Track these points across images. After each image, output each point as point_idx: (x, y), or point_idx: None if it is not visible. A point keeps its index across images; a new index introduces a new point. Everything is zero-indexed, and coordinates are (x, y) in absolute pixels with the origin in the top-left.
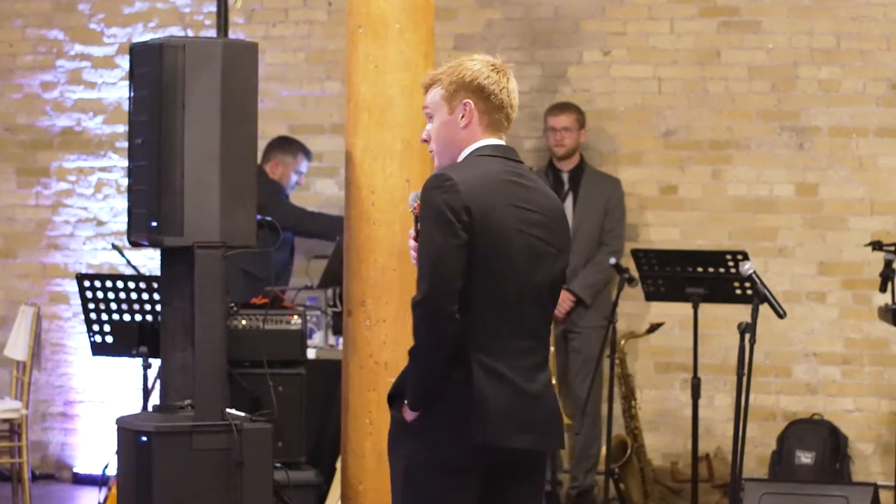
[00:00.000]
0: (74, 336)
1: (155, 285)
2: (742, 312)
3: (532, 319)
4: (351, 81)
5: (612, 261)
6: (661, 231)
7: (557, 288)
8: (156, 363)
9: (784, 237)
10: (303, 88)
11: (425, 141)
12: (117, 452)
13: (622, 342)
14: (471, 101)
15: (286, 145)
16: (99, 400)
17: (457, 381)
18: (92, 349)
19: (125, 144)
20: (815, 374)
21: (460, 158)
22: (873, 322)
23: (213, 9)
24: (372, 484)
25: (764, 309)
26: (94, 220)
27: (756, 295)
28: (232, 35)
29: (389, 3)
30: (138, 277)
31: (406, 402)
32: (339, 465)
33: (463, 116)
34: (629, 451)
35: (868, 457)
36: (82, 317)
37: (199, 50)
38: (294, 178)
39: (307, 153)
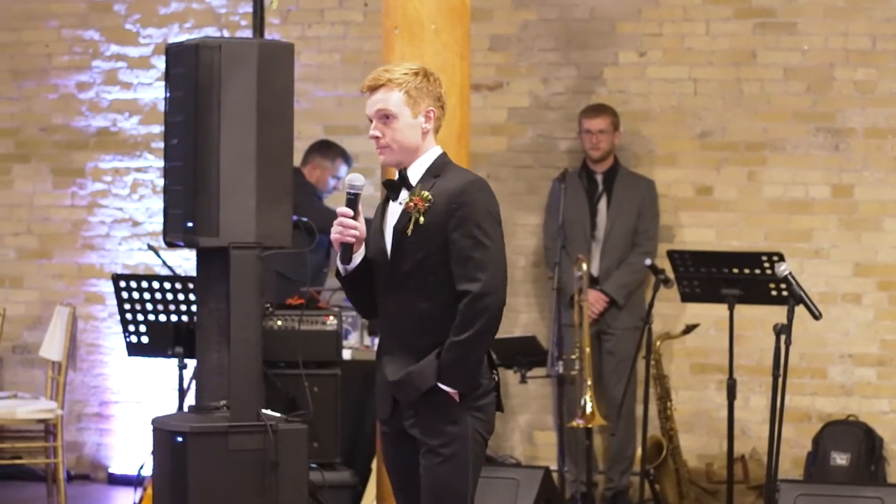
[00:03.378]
0: (110, 336)
1: (190, 286)
2: (778, 314)
3: None
4: None
5: (648, 262)
6: (697, 232)
7: None
8: (191, 364)
9: (819, 238)
10: (338, 89)
11: (376, 138)
12: (153, 453)
13: (658, 343)
14: (434, 110)
15: (326, 149)
16: (134, 400)
17: (485, 364)
18: (127, 349)
19: (161, 145)
20: (851, 375)
21: (416, 161)
22: None
23: (249, 9)
24: None
25: (799, 310)
26: (129, 220)
27: (792, 296)
28: (268, 36)
29: (425, 4)
30: (174, 278)
31: (449, 387)
32: (374, 465)
33: (427, 122)
34: (664, 453)
35: None
36: (118, 317)
37: (235, 50)
38: (332, 182)
39: (347, 158)
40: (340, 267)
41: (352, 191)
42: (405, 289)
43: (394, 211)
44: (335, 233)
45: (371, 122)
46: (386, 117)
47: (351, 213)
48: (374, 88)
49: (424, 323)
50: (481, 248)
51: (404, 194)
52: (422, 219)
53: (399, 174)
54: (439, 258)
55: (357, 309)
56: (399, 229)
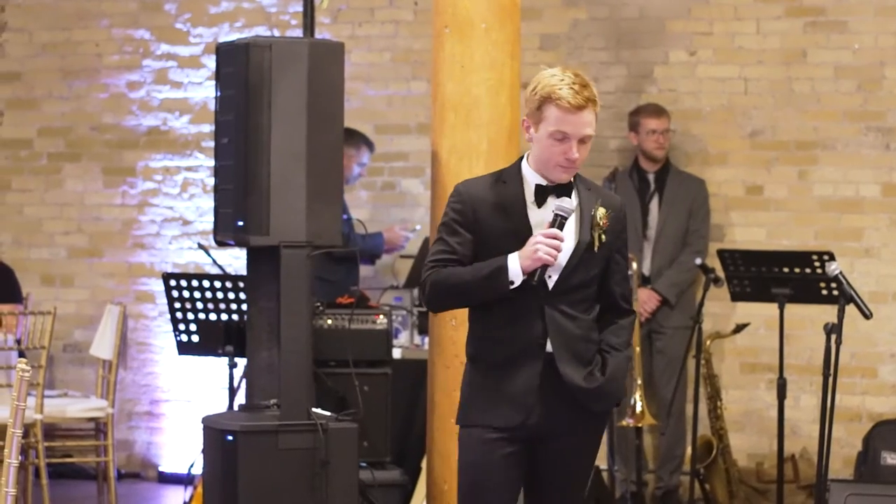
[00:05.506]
0: (160, 335)
1: (241, 285)
2: (828, 313)
3: None
4: (437, 81)
5: (698, 261)
6: (747, 231)
7: None
8: (242, 362)
9: (870, 237)
10: (389, 88)
11: (574, 160)
12: (203, 451)
13: (708, 342)
14: None
15: (348, 137)
16: (185, 399)
17: None
18: (178, 348)
19: (211, 144)
20: None
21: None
22: None
23: (300, 8)
24: (457, 484)
25: (850, 309)
26: (179, 219)
27: (842, 295)
28: (318, 35)
29: (475, 3)
30: (224, 277)
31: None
32: (424, 464)
33: None
34: (714, 452)
35: None
36: (168, 316)
37: (286, 50)
38: (356, 169)
39: (370, 144)
40: (515, 279)
41: (563, 213)
42: (570, 300)
43: (544, 219)
44: (544, 253)
45: (563, 136)
46: (586, 139)
47: (563, 237)
48: (584, 107)
49: (586, 332)
50: (627, 267)
51: (553, 202)
52: (604, 236)
53: (559, 184)
54: (601, 273)
55: (447, 307)
56: (584, 243)
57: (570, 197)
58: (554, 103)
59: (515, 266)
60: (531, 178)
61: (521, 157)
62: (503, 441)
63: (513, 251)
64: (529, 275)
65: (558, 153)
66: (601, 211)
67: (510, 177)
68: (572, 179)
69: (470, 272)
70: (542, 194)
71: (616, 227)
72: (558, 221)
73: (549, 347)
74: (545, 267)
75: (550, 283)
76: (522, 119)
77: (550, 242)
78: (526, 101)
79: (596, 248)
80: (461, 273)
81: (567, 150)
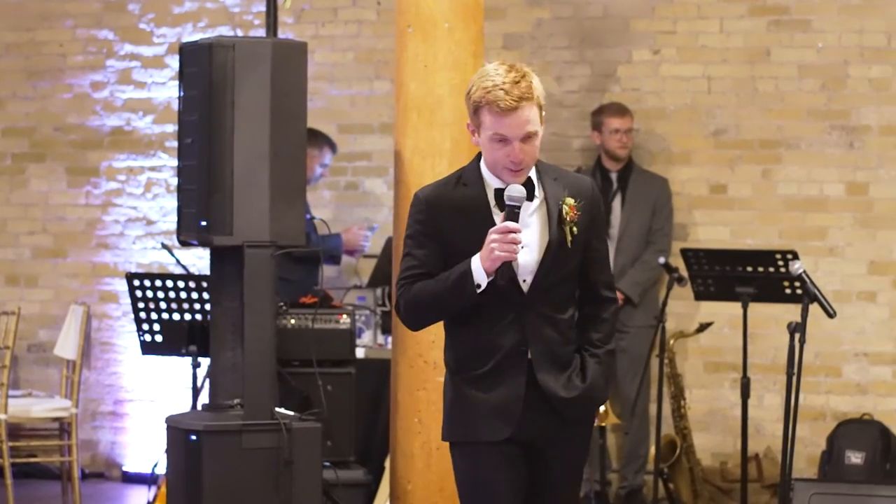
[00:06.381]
0: (124, 335)
1: (204, 284)
2: (792, 312)
3: None
4: (400, 81)
5: (662, 260)
6: (711, 230)
7: None
8: (205, 362)
9: (834, 236)
10: (352, 88)
11: (519, 162)
12: (167, 451)
13: (671, 342)
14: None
15: (312, 138)
16: (148, 399)
17: None
18: (141, 348)
19: (175, 144)
20: (866, 373)
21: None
22: None
23: (263, 8)
24: (421, 483)
25: (814, 308)
26: (143, 219)
27: (806, 294)
28: (281, 35)
29: (438, 3)
30: (188, 277)
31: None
32: (387, 464)
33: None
34: (678, 451)
35: None
36: (132, 316)
37: (249, 50)
38: (319, 170)
39: (332, 145)
40: (481, 282)
41: (514, 203)
42: (547, 301)
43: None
44: (503, 251)
45: (503, 139)
46: (530, 137)
47: (520, 228)
48: (517, 108)
49: (565, 333)
50: (606, 250)
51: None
52: (575, 228)
53: (525, 184)
54: (578, 266)
55: (426, 322)
56: (556, 241)
57: (532, 194)
58: (486, 107)
59: (479, 268)
60: (490, 181)
61: (479, 155)
62: (499, 451)
63: None
64: (496, 275)
65: (503, 156)
66: (568, 202)
67: (470, 179)
68: (536, 173)
69: (438, 284)
70: (501, 197)
71: (588, 215)
72: (511, 212)
73: (530, 355)
74: (509, 264)
75: (525, 287)
76: (467, 123)
77: (505, 238)
78: (466, 105)
79: (569, 244)
80: (430, 286)
81: (510, 153)
